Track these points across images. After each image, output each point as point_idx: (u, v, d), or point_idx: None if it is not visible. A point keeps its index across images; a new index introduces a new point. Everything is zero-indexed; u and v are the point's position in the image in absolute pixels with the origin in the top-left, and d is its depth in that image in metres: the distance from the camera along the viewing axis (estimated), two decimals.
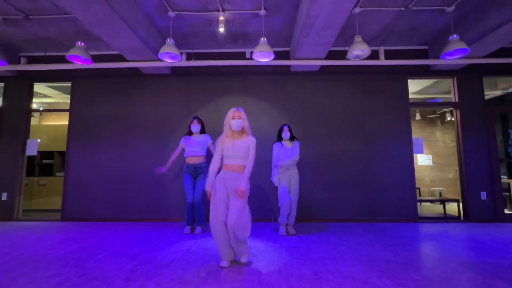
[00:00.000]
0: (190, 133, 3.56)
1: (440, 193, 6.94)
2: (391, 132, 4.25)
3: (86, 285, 1.88)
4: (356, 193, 4.15)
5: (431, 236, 3.27)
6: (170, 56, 3.41)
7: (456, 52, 3.28)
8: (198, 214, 3.38)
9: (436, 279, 1.97)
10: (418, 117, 7.48)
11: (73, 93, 4.52)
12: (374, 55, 3.97)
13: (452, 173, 7.36)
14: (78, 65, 3.79)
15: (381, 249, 2.70)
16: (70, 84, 4.56)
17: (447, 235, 3.29)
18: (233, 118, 2.31)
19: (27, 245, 2.92)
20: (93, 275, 2.06)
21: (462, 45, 3.15)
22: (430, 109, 7.44)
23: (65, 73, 4.50)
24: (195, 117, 3.57)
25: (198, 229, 3.39)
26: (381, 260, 2.38)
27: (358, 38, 3.26)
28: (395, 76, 4.34)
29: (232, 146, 2.28)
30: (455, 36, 3.23)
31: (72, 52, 3.32)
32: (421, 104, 5.02)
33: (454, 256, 2.50)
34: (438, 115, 7.53)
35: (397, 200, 4.12)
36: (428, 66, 4.33)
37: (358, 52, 3.30)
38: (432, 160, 7.23)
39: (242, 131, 2.35)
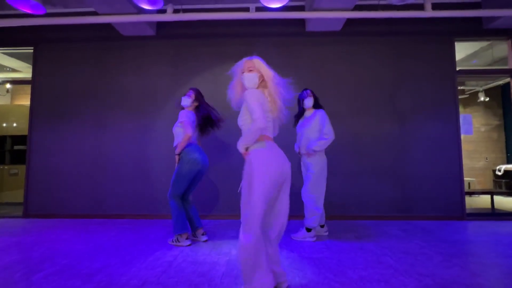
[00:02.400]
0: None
1: (469, 184, 6.11)
2: (432, 108, 3.39)
3: None
4: (387, 185, 3.32)
5: (496, 240, 2.46)
6: (148, 1, 2.53)
7: None
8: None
9: None
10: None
11: (35, 60, 3.65)
12: (416, 6, 3.06)
13: (482, 161, 6.50)
14: (35, 19, 2.93)
15: (446, 264, 1.89)
16: (32, 51, 3.69)
17: None
18: (243, 71, 1.53)
19: None
20: None
21: None
22: (459, 89, 6.50)
23: (25, 34, 3.62)
24: (191, 88, 2.61)
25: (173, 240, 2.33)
26: (459, 284, 1.57)
27: None
28: (439, 37, 3.43)
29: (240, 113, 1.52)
30: None
31: None
32: (471, 71, 3.99)
33: None
34: (468, 96, 6.60)
35: (439, 193, 3.29)
36: (480, 24, 3.42)
37: None
38: None
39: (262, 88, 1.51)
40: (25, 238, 2.58)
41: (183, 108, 2.48)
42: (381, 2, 3.26)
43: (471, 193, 4.46)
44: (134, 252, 2.14)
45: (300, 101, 2.55)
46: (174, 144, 2.44)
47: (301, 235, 2.45)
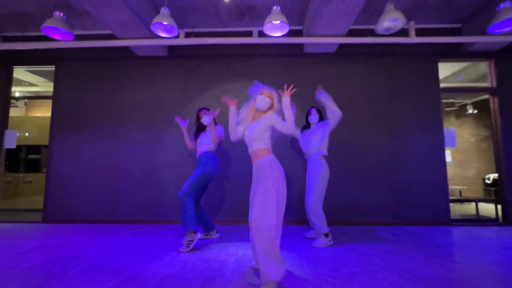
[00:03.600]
0: (200, 127, 2.91)
1: (460, 192, 6.40)
2: (419, 122, 3.71)
3: None
4: (379, 192, 3.61)
5: (476, 243, 2.74)
6: (165, 29, 2.88)
7: (506, 24, 2.74)
8: (182, 214, 2.53)
9: None
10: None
11: (56, 78, 3.99)
12: (401, 33, 3.42)
13: (472, 170, 6.82)
14: (61, 43, 3.27)
15: (426, 262, 2.17)
16: (53, 68, 4.02)
17: (495, 242, 2.76)
18: (260, 93, 1.90)
19: None
20: None
21: None
22: (447, 102, 6.86)
23: (47, 54, 3.96)
24: (202, 109, 2.93)
25: (184, 240, 2.50)
26: (433, 277, 1.85)
27: (390, 6, 2.73)
28: (424, 58, 3.79)
29: (249, 127, 1.90)
30: (507, 3, 2.68)
31: (49, 23, 2.79)
32: (454, 90, 4.38)
33: None
34: (457, 108, 6.97)
35: (427, 200, 3.58)
36: (461, 47, 3.79)
37: (390, 23, 2.76)
38: (451, 156, 6.69)
39: (265, 113, 1.91)
40: (49, 240, 2.84)
41: (201, 124, 2.88)
42: (371, 27, 3.63)
43: (462, 201, 4.74)
44: (151, 253, 2.41)
45: (307, 116, 2.87)
46: (199, 148, 2.83)
47: (323, 242, 2.57)
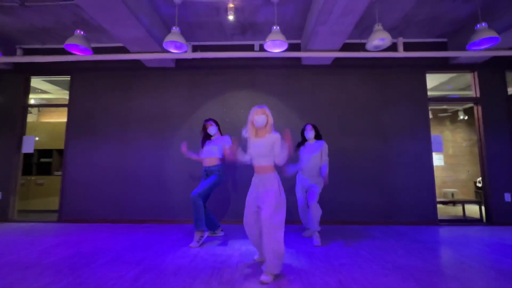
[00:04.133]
0: (206, 136, 3.13)
1: (452, 194, 6.68)
2: (408, 129, 4.01)
3: None
4: (371, 194, 3.90)
5: (457, 240, 3.02)
6: (175, 46, 3.18)
7: (484, 42, 3.04)
8: (194, 214, 2.80)
9: None
10: (430, 115, 7.23)
11: (72, 87, 4.28)
12: (391, 47, 3.73)
13: (464, 174, 7.10)
14: (77, 56, 3.56)
15: (407, 255, 2.45)
16: (69, 78, 4.33)
17: (474, 240, 3.04)
18: (256, 114, 2.17)
19: (19, 249, 2.68)
20: (92, 284, 1.82)
21: (491, 34, 2.91)
22: (442, 108, 7.18)
23: (63, 65, 4.26)
24: (208, 120, 3.15)
25: (194, 237, 2.78)
26: (412, 268, 2.13)
27: (378, 26, 3.03)
28: (413, 70, 4.10)
29: (255, 144, 2.17)
30: (483, 24, 2.98)
31: (71, 40, 3.09)
32: (440, 99, 4.72)
33: (491, 264, 2.25)
34: (450, 114, 7.28)
35: (415, 201, 3.87)
36: (447, 59, 4.10)
37: (378, 42, 3.06)
38: (443, 160, 6.98)
39: (265, 128, 2.18)
40: (68, 238, 3.11)
41: (207, 134, 3.12)
42: (363, 41, 3.94)
43: (448, 202, 5.02)
44: (164, 248, 2.69)
45: (303, 132, 3.11)
46: (203, 156, 3.07)
47: (319, 240, 2.84)
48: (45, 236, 3.19)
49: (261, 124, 2.14)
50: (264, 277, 1.89)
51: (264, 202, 2.02)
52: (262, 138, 2.15)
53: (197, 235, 2.78)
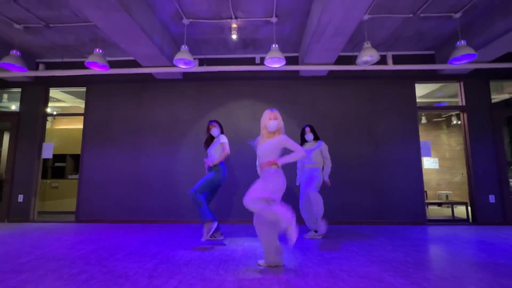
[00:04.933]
0: (210, 138, 3.30)
1: (447, 196, 6.95)
2: (399, 135, 4.32)
3: (112, 282, 1.96)
4: (365, 196, 4.20)
5: (441, 238, 3.31)
6: (184, 62, 3.53)
7: (463, 58, 3.36)
8: (198, 209, 2.97)
9: (449, 278, 2.02)
10: (424, 120, 7.53)
11: (87, 98, 4.66)
12: (381, 60, 4.06)
13: (459, 177, 7.36)
14: (94, 70, 3.92)
15: (393, 250, 2.75)
16: (84, 89, 4.70)
17: (457, 237, 3.33)
18: (269, 119, 2.33)
19: (47, 245, 3.02)
20: (117, 273, 2.14)
21: (469, 51, 3.23)
22: (436, 113, 7.48)
23: (80, 78, 4.64)
24: (212, 121, 3.32)
25: (203, 230, 2.93)
26: (394, 260, 2.44)
27: (367, 44, 3.35)
28: (403, 80, 4.42)
29: (263, 145, 2.34)
30: (462, 42, 3.30)
31: (91, 58, 3.45)
32: (428, 108, 5.09)
33: (465, 257, 2.54)
34: (444, 119, 7.56)
35: (406, 203, 4.16)
36: (435, 70, 4.41)
37: (367, 58, 3.39)
38: (438, 163, 7.25)
39: (275, 132, 2.36)
40: (88, 236, 3.45)
41: (210, 135, 3.28)
42: (356, 53, 4.27)
43: (433, 204, 5.31)
44: (175, 243, 3.01)
45: (303, 135, 3.44)
46: (210, 161, 3.13)
47: (324, 227, 3.17)
48: (67, 234, 3.53)
49: (274, 128, 2.31)
50: (260, 261, 2.32)
51: (250, 188, 2.22)
52: (271, 139, 2.31)
53: (205, 228, 2.89)
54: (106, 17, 2.87)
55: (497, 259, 2.47)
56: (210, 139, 3.31)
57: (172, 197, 4.33)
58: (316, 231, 3.27)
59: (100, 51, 3.55)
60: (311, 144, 3.42)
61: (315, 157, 3.34)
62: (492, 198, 4.13)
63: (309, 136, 3.40)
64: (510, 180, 4.29)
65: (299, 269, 2.24)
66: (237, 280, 1.99)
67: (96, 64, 3.54)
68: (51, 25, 3.65)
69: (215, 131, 3.26)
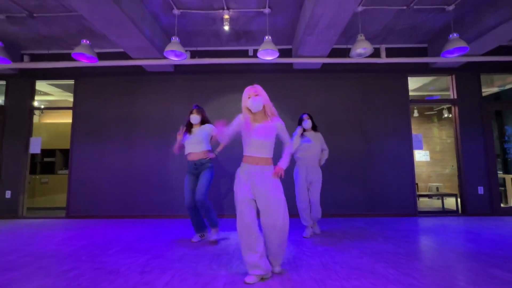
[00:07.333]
0: (190, 125, 2.93)
1: (437, 188, 7.09)
2: (391, 128, 4.34)
3: (103, 278, 1.94)
4: (357, 189, 4.24)
5: (431, 229, 3.38)
6: (175, 54, 3.45)
7: (455, 51, 3.37)
8: (206, 215, 2.77)
9: (438, 268, 2.07)
10: (415, 113, 7.60)
11: (76, 91, 4.53)
12: (375, 53, 4.03)
13: (449, 169, 7.51)
14: (82, 63, 3.80)
15: (384, 242, 2.80)
16: (73, 82, 4.57)
17: (446, 228, 3.41)
18: (249, 97, 1.84)
19: (37, 241, 2.96)
20: (108, 269, 2.12)
21: (462, 44, 3.24)
22: (428, 106, 7.56)
23: (68, 70, 4.49)
24: (195, 106, 2.96)
25: (212, 233, 2.87)
26: (385, 252, 2.48)
27: (360, 37, 3.33)
28: (395, 73, 4.43)
29: (252, 132, 1.83)
30: (455, 34, 3.31)
31: (78, 50, 3.34)
32: (420, 101, 5.13)
33: (454, 247, 2.60)
34: (436, 112, 7.66)
35: (397, 195, 4.22)
36: (427, 63, 4.42)
37: (361, 50, 3.37)
38: (429, 156, 7.37)
39: (264, 112, 1.89)
40: (79, 231, 3.40)
41: (189, 122, 2.91)
42: (349, 46, 4.24)
43: (424, 196, 5.42)
44: (169, 239, 2.99)
45: (300, 122, 3.13)
46: (212, 154, 2.90)
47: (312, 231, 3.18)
48: (57, 230, 3.47)
49: (259, 107, 1.83)
50: (277, 268, 2.03)
51: (273, 202, 1.90)
52: (264, 123, 1.86)
53: (213, 232, 2.87)
54: (94, 9, 2.76)
55: (484, 249, 2.54)
56: (189, 128, 2.90)
57: (165, 192, 4.29)
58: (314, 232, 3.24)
59: (88, 42, 3.43)
60: (310, 134, 3.15)
61: (314, 149, 3.12)
62: (480, 190, 4.22)
63: (306, 123, 3.09)
64: (498, 172, 4.39)
65: (293, 262, 2.25)
66: (230, 275, 1.99)
67: (84, 55, 3.43)
68: (35, 14, 3.50)
69: (195, 118, 2.87)
